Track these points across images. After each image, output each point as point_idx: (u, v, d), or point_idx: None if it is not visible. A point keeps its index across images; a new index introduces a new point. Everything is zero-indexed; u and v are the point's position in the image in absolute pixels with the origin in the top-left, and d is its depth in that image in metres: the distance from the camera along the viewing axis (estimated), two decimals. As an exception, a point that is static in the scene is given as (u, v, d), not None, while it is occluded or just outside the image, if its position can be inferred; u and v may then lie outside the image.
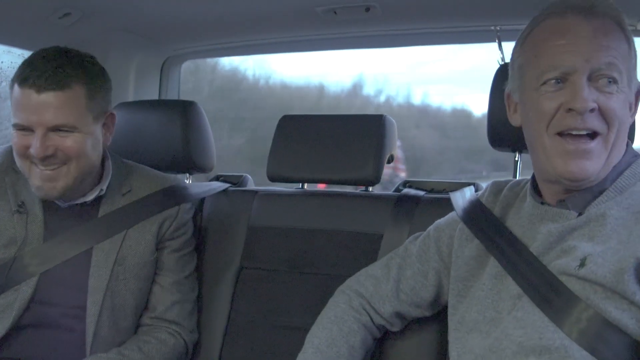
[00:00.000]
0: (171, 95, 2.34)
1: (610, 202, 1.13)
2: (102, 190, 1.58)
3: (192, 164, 1.89)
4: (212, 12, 1.92)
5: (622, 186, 1.14)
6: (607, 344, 1.04)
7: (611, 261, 1.06)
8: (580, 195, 1.16)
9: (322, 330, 1.40)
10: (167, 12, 1.94)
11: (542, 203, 1.22)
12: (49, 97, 1.38)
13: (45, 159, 1.41)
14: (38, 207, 1.53)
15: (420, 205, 1.62)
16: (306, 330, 1.43)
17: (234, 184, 1.95)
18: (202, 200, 1.84)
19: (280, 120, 1.80)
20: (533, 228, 1.20)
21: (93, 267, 1.51)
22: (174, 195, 1.66)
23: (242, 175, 1.98)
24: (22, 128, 1.41)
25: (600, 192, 1.15)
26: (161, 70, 2.28)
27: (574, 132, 1.09)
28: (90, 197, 1.56)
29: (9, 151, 1.57)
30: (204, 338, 1.68)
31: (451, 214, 1.43)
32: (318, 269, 1.66)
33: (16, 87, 1.42)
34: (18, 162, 1.47)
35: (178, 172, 2.00)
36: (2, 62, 2.12)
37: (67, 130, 1.41)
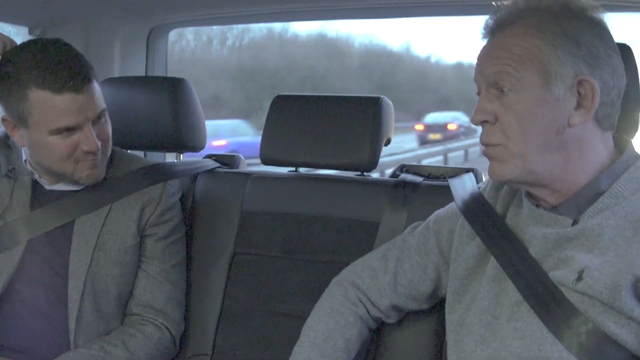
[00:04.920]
0: (158, 67, 2.26)
1: (607, 212, 1.09)
2: None
3: (182, 143, 1.83)
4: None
5: (619, 192, 1.10)
6: (607, 359, 1.03)
7: (607, 275, 1.03)
8: (572, 201, 1.13)
9: (318, 322, 1.39)
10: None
11: (537, 206, 1.19)
12: (86, 93, 1.41)
13: (97, 151, 1.46)
14: (27, 178, 1.53)
15: (418, 192, 1.59)
16: (301, 318, 1.42)
17: (225, 164, 1.90)
18: (193, 181, 1.80)
19: (273, 100, 1.74)
20: (529, 231, 1.17)
21: (73, 252, 1.50)
22: (160, 172, 1.63)
23: (234, 155, 1.93)
24: (67, 130, 1.41)
25: (595, 197, 1.11)
26: (147, 41, 2.20)
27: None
28: (76, 188, 1.54)
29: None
30: (197, 325, 1.65)
31: (451, 205, 1.39)
32: (314, 255, 1.63)
33: (45, 94, 1.38)
34: (58, 166, 1.46)
35: (168, 151, 1.96)
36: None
37: (102, 117, 1.48)
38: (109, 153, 1.53)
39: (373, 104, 1.64)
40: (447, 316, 1.28)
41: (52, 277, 1.50)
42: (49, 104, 1.38)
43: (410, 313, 1.44)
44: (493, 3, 1.19)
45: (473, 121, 1.15)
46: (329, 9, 1.96)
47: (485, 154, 1.16)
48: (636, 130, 1.30)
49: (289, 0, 1.95)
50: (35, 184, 1.54)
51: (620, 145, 1.17)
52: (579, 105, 1.09)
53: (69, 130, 1.41)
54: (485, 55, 1.15)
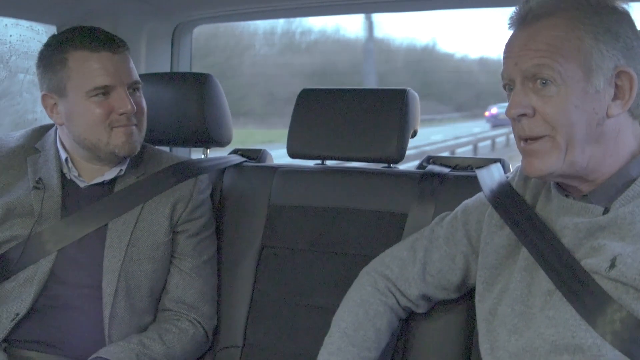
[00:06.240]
0: (183, 63, 2.28)
1: (638, 200, 1.08)
2: (121, 170, 1.57)
3: (209, 138, 1.85)
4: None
5: None
6: None
7: None
8: (602, 189, 1.12)
9: (348, 313, 1.40)
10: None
11: (567, 196, 1.18)
12: (122, 55, 1.50)
13: (132, 114, 1.50)
14: (56, 185, 1.54)
15: (445, 183, 1.59)
16: (330, 310, 1.43)
17: (252, 158, 1.91)
18: (221, 176, 1.81)
19: (299, 94, 1.75)
20: (560, 221, 1.17)
21: (107, 249, 1.52)
22: (188, 168, 1.65)
23: (260, 150, 1.94)
24: (103, 92, 1.47)
25: (625, 185, 1.10)
26: (172, 38, 2.21)
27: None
28: (109, 176, 1.56)
29: (30, 133, 1.63)
30: (228, 318, 1.67)
31: (479, 195, 1.39)
32: (341, 248, 1.63)
33: (83, 53, 1.46)
34: (93, 134, 1.49)
35: (194, 146, 1.97)
36: (10, 35, 2.05)
37: (137, 90, 1.54)
38: (143, 129, 1.56)
39: (399, 96, 1.64)
40: (477, 305, 1.28)
41: (86, 275, 1.52)
42: (87, 63, 1.46)
43: (440, 302, 1.45)
44: None
45: (509, 115, 1.12)
46: (356, 3, 1.95)
47: (526, 149, 1.13)
48: None
49: None
50: (67, 187, 1.55)
51: None
52: (616, 97, 1.09)
53: (105, 92, 1.47)
54: (521, 47, 1.11)
